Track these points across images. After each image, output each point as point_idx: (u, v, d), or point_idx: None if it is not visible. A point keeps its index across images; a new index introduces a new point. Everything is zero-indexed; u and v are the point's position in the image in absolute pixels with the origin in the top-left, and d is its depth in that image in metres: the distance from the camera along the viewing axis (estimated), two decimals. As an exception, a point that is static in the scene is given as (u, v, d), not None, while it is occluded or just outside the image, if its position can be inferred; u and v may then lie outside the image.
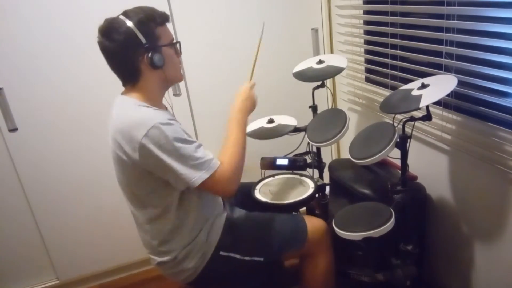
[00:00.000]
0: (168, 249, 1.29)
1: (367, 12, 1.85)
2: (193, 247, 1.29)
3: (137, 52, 1.17)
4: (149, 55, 1.17)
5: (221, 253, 1.32)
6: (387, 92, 1.80)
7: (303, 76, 1.71)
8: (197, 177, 1.15)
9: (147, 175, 1.19)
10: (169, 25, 1.26)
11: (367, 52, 1.92)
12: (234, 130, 1.27)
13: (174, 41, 1.26)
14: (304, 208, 1.70)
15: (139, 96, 1.22)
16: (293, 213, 1.54)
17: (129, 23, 1.15)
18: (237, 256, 1.33)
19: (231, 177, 1.20)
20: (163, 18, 1.22)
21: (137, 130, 1.12)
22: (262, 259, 1.35)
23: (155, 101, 1.25)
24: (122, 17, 1.17)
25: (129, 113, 1.17)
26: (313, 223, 1.44)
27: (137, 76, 1.21)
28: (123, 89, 1.29)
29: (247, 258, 1.34)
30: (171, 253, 1.29)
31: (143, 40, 1.16)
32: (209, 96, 2.04)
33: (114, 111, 1.23)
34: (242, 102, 1.33)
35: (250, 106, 1.36)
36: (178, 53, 1.28)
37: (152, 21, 1.18)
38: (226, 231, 1.35)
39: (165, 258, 1.30)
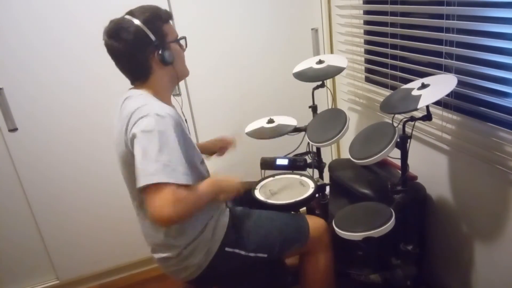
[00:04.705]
0: (174, 244, 1.28)
1: (367, 12, 1.85)
2: (198, 243, 1.29)
3: (148, 50, 1.19)
4: (160, 52, 1.19)
5: (226, 249, 1.32)
6: (387, 92, 1.80)
7: (303, 76, 1.71)
8: (152, 176, 1.04)
9: None
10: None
11: (367, 52, 1.92)
12: (210, 189, 1.21)
13: (179, 36, 1.28)
14: (304, 208, 1.70)
15: (150, 91, 1.24)
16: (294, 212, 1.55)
17: (137, 22, 1.16)
18: (242, 253, 1.34)
19: (178, 204, 1.04)
20: (167, 16, 1.24)
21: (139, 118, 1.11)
22: (266, 255, 1.36)
23: (164, 97, 1.27)
24: (128, 16, 1.18)
25: (143, 104, 1.16)
26: (314, 222, 1.46)
27: (148, 74, 1.23)
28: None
29: (251, 254, 1.34)
30: (177, 248, 1.28)
31: (153, 38, 1.17)
32: (209, 95, 2.04)
33: (130, 104, 1.20)
34: (225, 182, 1.29)
35: (226, 189, 1.29)
36: (183, 48, 1.31)
37: (158, 18, 1.20)
38: (231, 228, 1.35)
39: (169, 254, 1.29)
